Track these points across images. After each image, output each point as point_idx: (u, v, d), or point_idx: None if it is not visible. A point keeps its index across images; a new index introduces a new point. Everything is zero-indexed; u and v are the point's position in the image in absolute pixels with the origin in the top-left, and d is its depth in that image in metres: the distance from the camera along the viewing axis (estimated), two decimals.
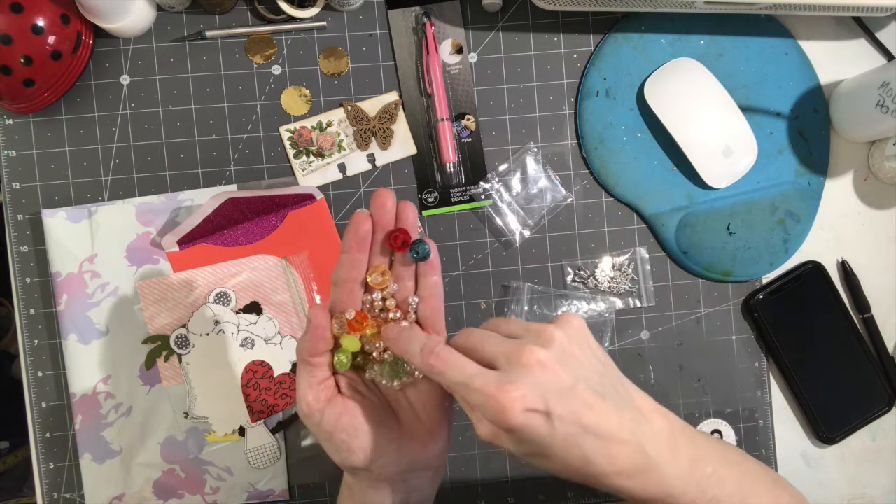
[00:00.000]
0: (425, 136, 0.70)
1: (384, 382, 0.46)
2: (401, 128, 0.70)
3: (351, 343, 0.45)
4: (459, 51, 0.69)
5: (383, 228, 0.46)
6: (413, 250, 0.45)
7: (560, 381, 0.39)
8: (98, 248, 0.68)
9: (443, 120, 0.69)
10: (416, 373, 0.46)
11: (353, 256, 0.46)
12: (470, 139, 0.70)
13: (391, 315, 0.47)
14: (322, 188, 0.69)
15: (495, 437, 0.40)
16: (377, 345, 0.46)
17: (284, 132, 0.69)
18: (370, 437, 0.45)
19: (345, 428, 0.44)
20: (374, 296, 0.47)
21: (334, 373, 0.47)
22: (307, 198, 0.68)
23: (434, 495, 0.50)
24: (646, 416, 0.42)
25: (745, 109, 0.68)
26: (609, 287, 0.70)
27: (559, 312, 0.71)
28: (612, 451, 0.39)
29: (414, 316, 0.47)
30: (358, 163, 0.70)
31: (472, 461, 0.71)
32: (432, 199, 0.70)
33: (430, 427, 0.47)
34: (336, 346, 0.46)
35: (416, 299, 0.48)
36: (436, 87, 0.69)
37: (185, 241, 0.67)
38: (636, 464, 0.40)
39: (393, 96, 0.69)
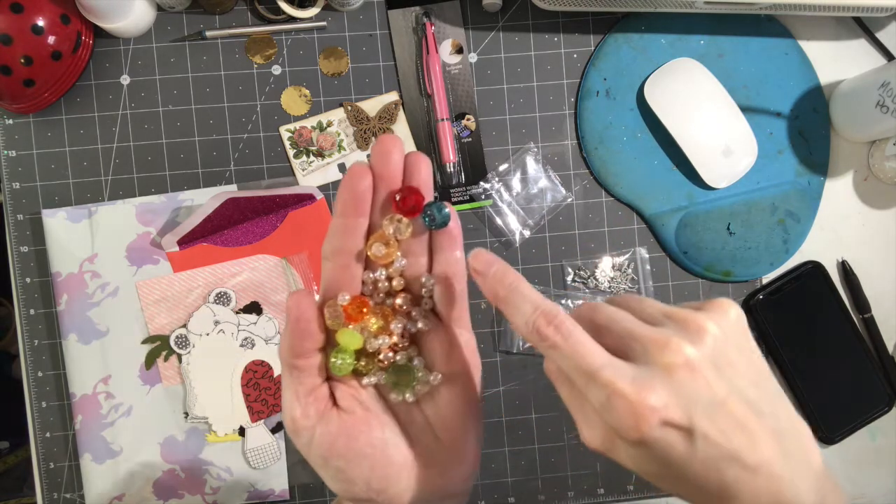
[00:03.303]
0: (425, 136, 0.70)
1: (392, 396, 0.36)
2: (401, 128, 0.70)
3: (349, 339, 0.34)
4: (459, 51, 0.69)
5: (388, 186, 0.35)
6: (426, 215, 0.34)
7: (710, 392, 0.30)
8: (98, 248, 0.68)
9: (443, 120, 0.69)
10: (432, 378, 0.36)
11: (349, 221, 0.34)
12: (470, 139, 0.70)
13: (398, 301, 0.36)
14: (322, 188, 0.69)
15: (608, 449, 0.31)
16: (382, 340, 0.35)
17: (284, 132, 0.69)
18: (374, 463, 0.34)
19: (341, 453, 0.34)
20: (376, 274, 0.36)
21: (328, 378, 0.36)
22: (307, 198, 0.68)
23: None
24: (807, 447, 0.32)
25: (745, 109, 0.68)
26: (609, 287, 0.70)
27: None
28: (758, 484, 0.30)
29: (429, 302, 0.37)
30: None
31: None
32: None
33: (452, 447, 0.36)
34: (331, 344, 0.36)
35: (432, 280, 0.37)
36: (436, 87, 0.68)
37: (185, 241, 0.67)
38: (780, 503, 0.31)
39: (393, 96, 0.69)
